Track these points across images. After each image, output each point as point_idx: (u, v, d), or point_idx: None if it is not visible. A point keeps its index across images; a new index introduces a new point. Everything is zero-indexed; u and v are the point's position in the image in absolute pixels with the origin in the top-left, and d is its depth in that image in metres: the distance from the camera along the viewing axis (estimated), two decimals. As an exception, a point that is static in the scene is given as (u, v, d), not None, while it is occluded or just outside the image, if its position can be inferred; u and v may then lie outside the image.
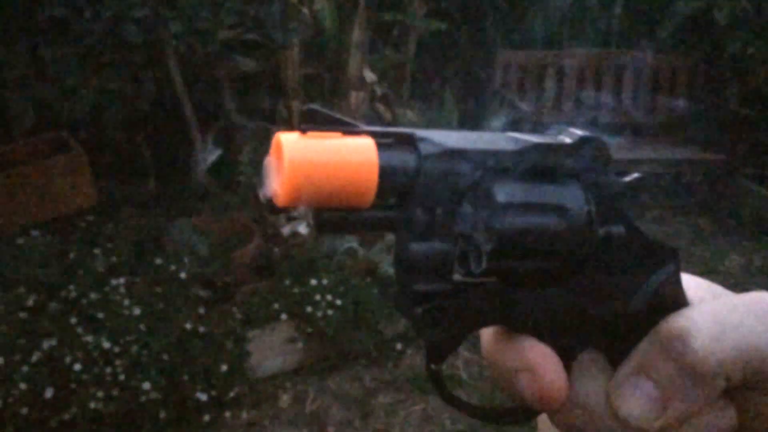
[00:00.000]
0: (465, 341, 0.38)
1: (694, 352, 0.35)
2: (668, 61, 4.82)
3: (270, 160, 0.34)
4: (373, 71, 4.04)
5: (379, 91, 4.10)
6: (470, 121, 4.32)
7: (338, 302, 2.92)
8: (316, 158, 0.32)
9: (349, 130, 0.34)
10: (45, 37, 3.06)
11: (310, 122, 0.33)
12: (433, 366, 0.39)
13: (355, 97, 3.85)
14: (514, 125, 4.37)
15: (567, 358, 0.39)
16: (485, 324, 0.38)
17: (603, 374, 0.38)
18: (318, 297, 2.92)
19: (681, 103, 4.81)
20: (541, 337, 0.39)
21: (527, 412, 0.41)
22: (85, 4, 2.82)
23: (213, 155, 3.59)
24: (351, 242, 3.20)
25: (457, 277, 0.37)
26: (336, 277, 3.02)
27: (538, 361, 0.37)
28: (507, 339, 0.39)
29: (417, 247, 0.35)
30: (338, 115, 0.34)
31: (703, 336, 0.35)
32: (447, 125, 4.04)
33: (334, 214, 0.34)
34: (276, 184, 0.33)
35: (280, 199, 0.33)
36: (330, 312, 2.90)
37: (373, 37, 4.13)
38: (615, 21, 4.99)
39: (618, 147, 4.61)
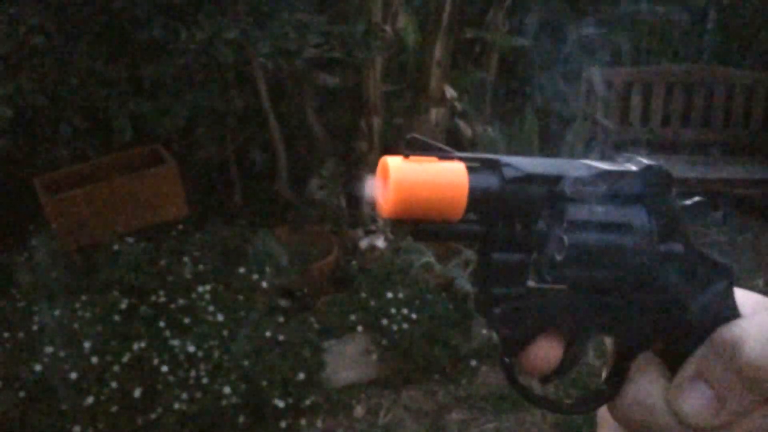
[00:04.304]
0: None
1: (746, 356, 0.38)
2: (762, 78, 4.61)
3: (377, 180, 0.40)
4: (454, 88, 4.06)
5: (459, 107, 4.12)
6: (552, 139, 4.27)
7: (413, 316, 2.95)
8: (416, 179, 0.38)
9: (444, 155, 0.40)
10: (143, 57, 3.25)
11: (411, 148, 0.39)
12: (506, 359, 0.44)
13: (436, 113, 3.88)
14: (598, 143, 4.28)
15: (627, 358, 0.44)
16: (554, 324, 0.43)
17: (660, 375, 0.43)
18: (394, 310, 2.95)
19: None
20: (603, 337, 0.44)
21: (587, 405, 0.45)
22: (181, 26, 2.98)
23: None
24: (427, 257, 3.22)
25: (531, 283, 0.42)
26: (412, 291, 3.05)
27: None
28: None
29: (498, 256, 0.41)
30: (435, 143, 0.39)
31: (754, 342, 0.38)
32: (528, 142, 4.00)
33: (429, 225, 0.40)
34: (382, 200, 0.40)
35: (386, 213, 0.39)
36: (405, 325, 2.92)
37: (455, 53, 4.16)
38: (707, 37, 4.82)
39: (709, 166, 4.44)
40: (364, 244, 3.37)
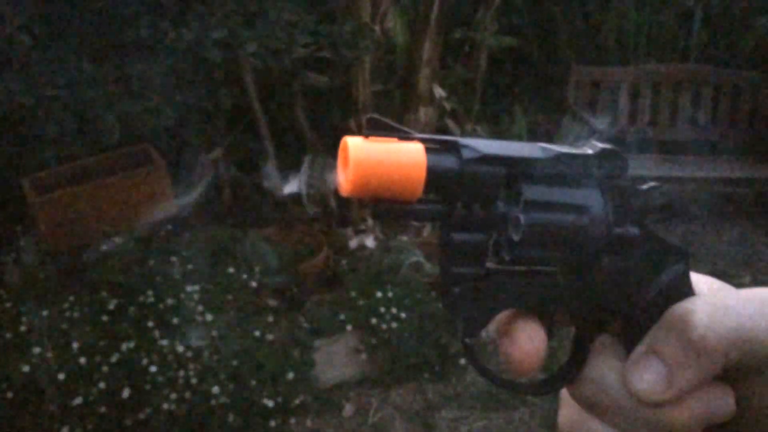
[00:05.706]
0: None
1: (695, 329, 0.39)
2: (748, 78, 4.65)
3: (338, 160, 0.41)
4: (443, 87, 4.07)
5: (448, 106, 4.13)
6: (541, 138, 4.28)
7: (403, 315, 2.95)
8: (375, 158, 0.39)
9: (403, 136, 0.40)
10: (131, 57, 3.24)
11: (372, 129, 0.39)
12: (466, 340, 0.44)
13: (425, 112, 3.89)
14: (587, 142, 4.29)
15: (585, 340, 0.44)
16: (513, 305, 0.43)
17: (617, 356, 0.43)
18: (383, 309, 2.96)
19: (762, 121, 4.62)
20: (562, 319, 0.45)
21: (548, 387, 0.46)
22: (169, 26, 2.97)
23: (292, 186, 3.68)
24: (417, 256, 3.23)
25: (490, 263, 0.42)
26: (401, 290, 3.06)
27: (516, 328, 0.43)
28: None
29: (457, 237, 0.42)
30: (395, 124, 0.40)
31: (704, 316, 0.39)
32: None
33: (389, 204, 0.40)
34: (342, 179, 0.40)
35: (345, 191, 0.40)
36: (394, 324, 2.93)
37: (443, 53, 4.17)
38: (694, 37, 4.85)
39: (696, 165, 4.47)
40: (353, 243, 3.38)
